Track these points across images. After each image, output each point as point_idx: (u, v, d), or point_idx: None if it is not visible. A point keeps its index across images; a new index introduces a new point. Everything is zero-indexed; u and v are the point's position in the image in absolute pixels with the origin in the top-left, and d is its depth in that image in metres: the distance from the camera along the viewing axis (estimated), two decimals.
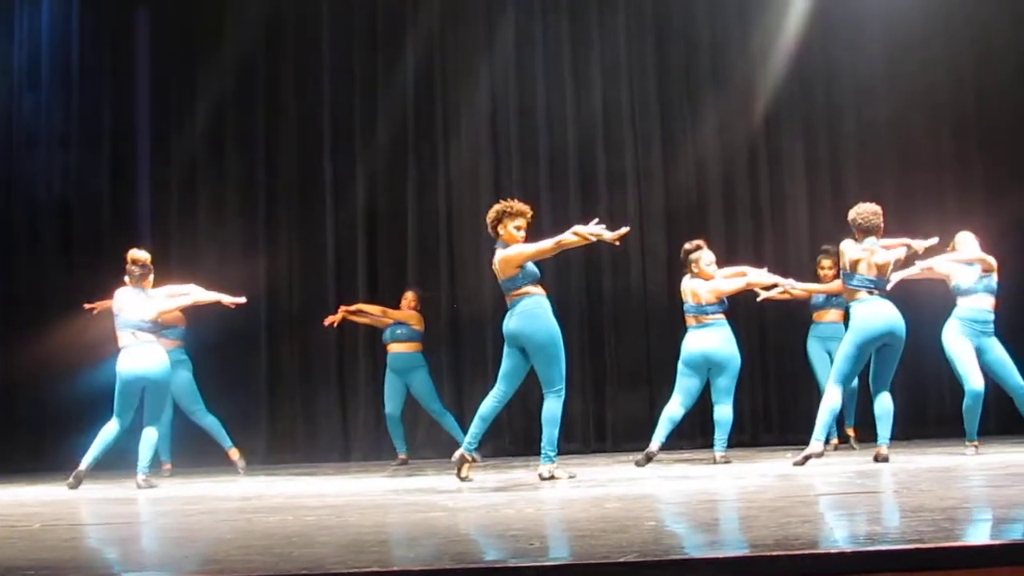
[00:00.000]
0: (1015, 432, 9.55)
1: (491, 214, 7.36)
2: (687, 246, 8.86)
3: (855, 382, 8.96)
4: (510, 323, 7.28)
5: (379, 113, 11.86)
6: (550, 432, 7.21)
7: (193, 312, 9.60)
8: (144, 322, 8.36)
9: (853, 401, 9.56)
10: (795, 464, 7.70)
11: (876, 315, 7.76)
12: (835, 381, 7.92)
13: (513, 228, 7.29)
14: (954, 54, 11.56)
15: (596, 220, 7.28)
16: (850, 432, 9.85)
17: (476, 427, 7.37)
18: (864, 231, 7.85)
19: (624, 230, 7.21)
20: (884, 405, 7.93)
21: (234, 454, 9.79)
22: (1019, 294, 10.15)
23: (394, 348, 10.45)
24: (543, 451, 7.26)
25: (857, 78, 11.46)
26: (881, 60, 11.47)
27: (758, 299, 9.54)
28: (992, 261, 8.42)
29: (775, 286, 9.25)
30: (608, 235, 7.13)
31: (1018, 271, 9.77)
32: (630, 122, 11.67)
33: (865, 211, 7.87)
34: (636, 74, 11.73)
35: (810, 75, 11.62)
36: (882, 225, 7.87)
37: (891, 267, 7.88)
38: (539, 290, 7.31)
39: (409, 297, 10.57)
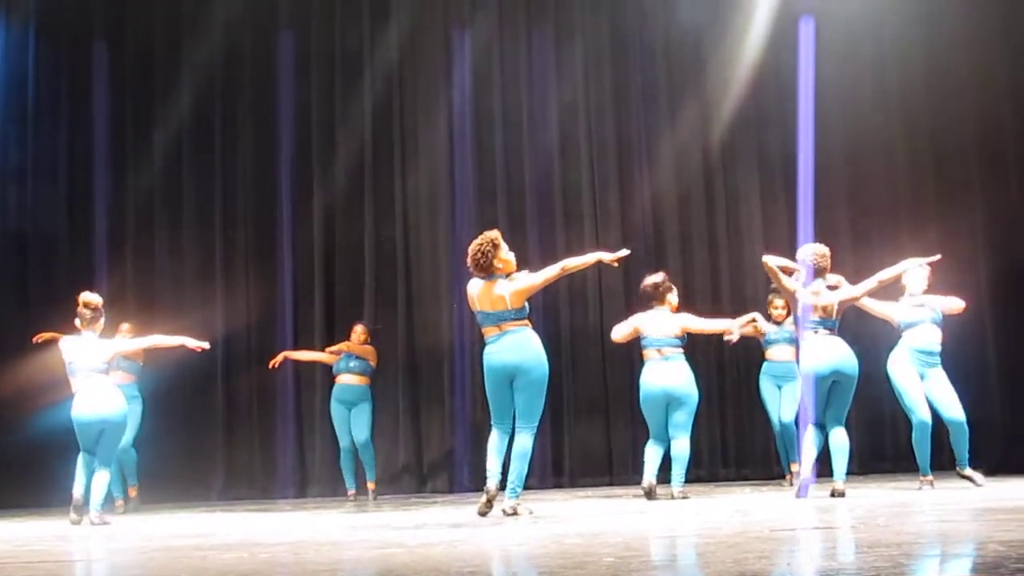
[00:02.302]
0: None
1: (485, 247, 7.05)
2: (656, 279, 8.76)
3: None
4: (503, 355, 7.05)
5: (336, 148, 11.87)
6: (520, 467, 7.09)
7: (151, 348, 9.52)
8: (101, 364, 8.27)
9: (797, 440, 9.51)
10: (797, 497, 7.72)
11: (819, 355, 7.81)
12: (809, 423, 7.94)
13: (510, 256, 7.17)
14: (909, 85, 11.74)
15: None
16: (794, 468, 9.81)
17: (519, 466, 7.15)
18: (812, 273, 7.92)
19: (624, 252, 7.49)
20: (839, 441, 7.89)
21: (133, 492, 9.99)
22: (970, 325, 10.23)
23: (344, 379, 10.44)
24: (510, 486, 7.12)
25: (815, 110, 11.52)
26: (836, 91, 11.58)
27: (730, 342, 9.38)
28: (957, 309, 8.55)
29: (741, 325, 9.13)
30: (607, 257, 7.34)
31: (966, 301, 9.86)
32: (587, 159, 11.74)
33: (813, 254, 7.94)
34: (593, 111, 11.81)
35: (765, 111, 11.75)
36: (829, 267, 7.95)
37: (836, 307, 7.93)
38: (528, 322, 7.21)
39: (359, 331, 10.57)
